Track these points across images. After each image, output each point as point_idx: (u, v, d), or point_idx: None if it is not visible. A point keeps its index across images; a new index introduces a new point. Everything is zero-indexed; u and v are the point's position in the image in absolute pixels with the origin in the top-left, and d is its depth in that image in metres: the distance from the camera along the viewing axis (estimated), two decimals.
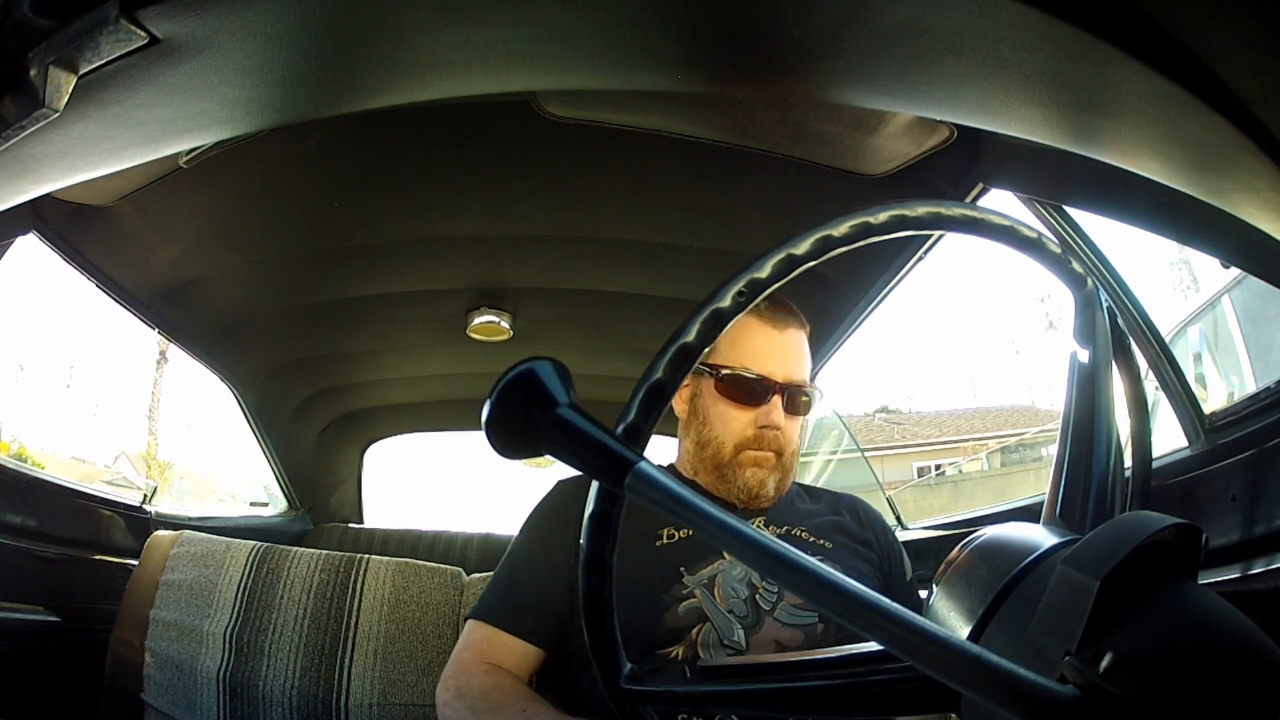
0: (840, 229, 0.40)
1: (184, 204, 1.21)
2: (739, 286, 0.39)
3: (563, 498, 1.01)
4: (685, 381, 0.96)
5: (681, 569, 0.89)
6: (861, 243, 0.41)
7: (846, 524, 1.00)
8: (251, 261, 1.42)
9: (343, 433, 2.35)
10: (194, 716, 1.09)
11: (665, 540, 0.92)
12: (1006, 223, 0.46)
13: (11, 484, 1.22)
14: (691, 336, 0.38)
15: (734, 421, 0.95)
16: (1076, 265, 0.49)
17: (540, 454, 0.33)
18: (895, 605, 0.27)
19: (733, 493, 0.95)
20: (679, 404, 1.01)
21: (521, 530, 1.01)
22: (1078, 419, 0.44)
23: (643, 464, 0.31)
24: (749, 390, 0.94)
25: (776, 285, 0.40)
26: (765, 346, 0.96)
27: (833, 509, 1.03)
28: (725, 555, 0.89)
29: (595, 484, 0.38)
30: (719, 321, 0.38)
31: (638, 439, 0.37)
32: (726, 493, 0.96)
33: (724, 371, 0.94)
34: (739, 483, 0.95)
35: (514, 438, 0.34)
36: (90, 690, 1.15)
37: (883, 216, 0.41)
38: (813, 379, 1.02)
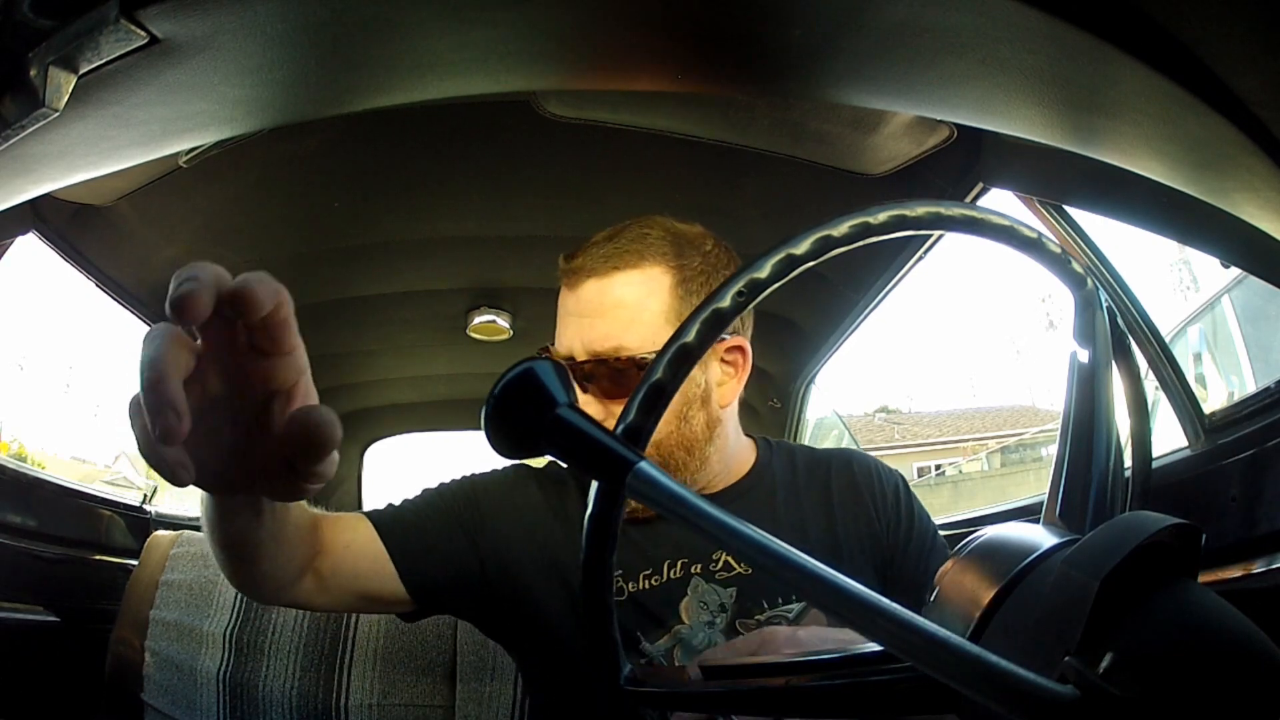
0: (840, 229, 0.40)
1: (184, 204, 1.21)
2: (739, 286, 0.39)
3: (522, 481, 0.86)
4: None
5: (639, 634, 0.76)
6: (861, 243, 0.41)
7: (840, 516, 0.83)
8: (251, 261, 1.41)
9: (343, 432, 2.35)
10: (194, 717, 1.09)
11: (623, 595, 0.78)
12: (1006, 223, 0.46)
13: (11, 484, 1.22)
14: (691, 337, 0.38)
15: None
16: (1076, 265, 0.49)
17: (541, 454, 0.33)
18: (894, 605, 0.27)
19: None
20: None
21: (460, 480, 0.86)
22: (1078, 419, 0.44)
23: (643, 464, 0.31)
24: None
25: (776, 285, 0.40)
26: (562, 315, 0.80)
27: (826, 495, 0.85)
28: (684, 619, 0.77)
29: (595, 485, 0.38)
30: (719, 322, 0.38)
31: (638, 440, 0.37)
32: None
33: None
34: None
35: (514, 438, 0.34)
36: (90, 690, 1.15)
37: (882, 216, 0.41)
38: (812, 379, 0.96)
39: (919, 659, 0.26)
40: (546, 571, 0.81)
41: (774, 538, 0.29)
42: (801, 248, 0.40)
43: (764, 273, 0.39)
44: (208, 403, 0.36)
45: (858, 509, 0.84)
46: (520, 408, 0.33)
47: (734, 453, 0.86)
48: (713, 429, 0.80)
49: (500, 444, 0.34)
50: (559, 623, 0.79)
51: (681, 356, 0.37)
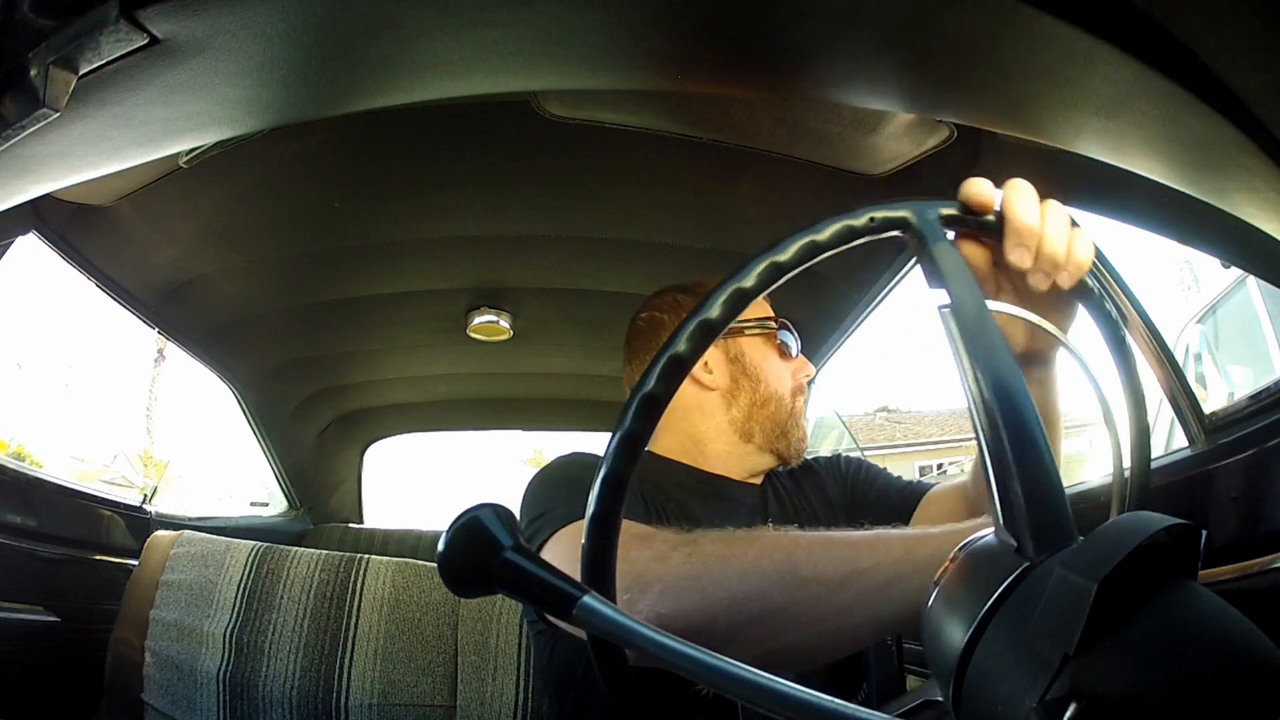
0: (824, 235, 0.41)
1: (184, 204, 1.21)
2: (726, 294, 0.39)
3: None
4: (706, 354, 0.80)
5: None
6: (845, 246, 0.42)
7: (835, 501, 0.94)
8: (251, 261, 1.42)
9: (343, 433, 2.35)
10: (194, 716, 1.09)
11: None
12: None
13: (11, 484, 1.22)
14: (682, 347, 0.38)
15: (784, 373, 0.92)
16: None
17: (493, 593, 0.34)
18: (820, 696, 0.27)
19: (791, 448, 0.90)
20: (708, 375, 0.90)
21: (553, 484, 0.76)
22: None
23: (587, 598, 0.31)
24: (784, 341, 0.93)
25: (763, 293, 0.40)
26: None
27: (823, 485, 0.96)
28: None
29: (598, 480, 0.38)
30: (709, 332, 0.39)
31: (636, 447, 0.37)
32: (785, 449, 0.90)
33: (768, 321, 0.92)
34: (796, 436, 0.90)
35: (467, 580, 0.35)
36: (90, 690, 1.15)
37: (864, 220, 0.42)
38: (812, 381, 0.98)
39: None
40: None
41: (731, 662, 0.28)
42: (802, 245, 0.40)
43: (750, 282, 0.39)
44: None
45: (828, 482, 0.96)
46: (469, 553, 0.34)
47: None
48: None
49: (456, 586, 0.35)
50: None
51: (673, 368, 0.38)
